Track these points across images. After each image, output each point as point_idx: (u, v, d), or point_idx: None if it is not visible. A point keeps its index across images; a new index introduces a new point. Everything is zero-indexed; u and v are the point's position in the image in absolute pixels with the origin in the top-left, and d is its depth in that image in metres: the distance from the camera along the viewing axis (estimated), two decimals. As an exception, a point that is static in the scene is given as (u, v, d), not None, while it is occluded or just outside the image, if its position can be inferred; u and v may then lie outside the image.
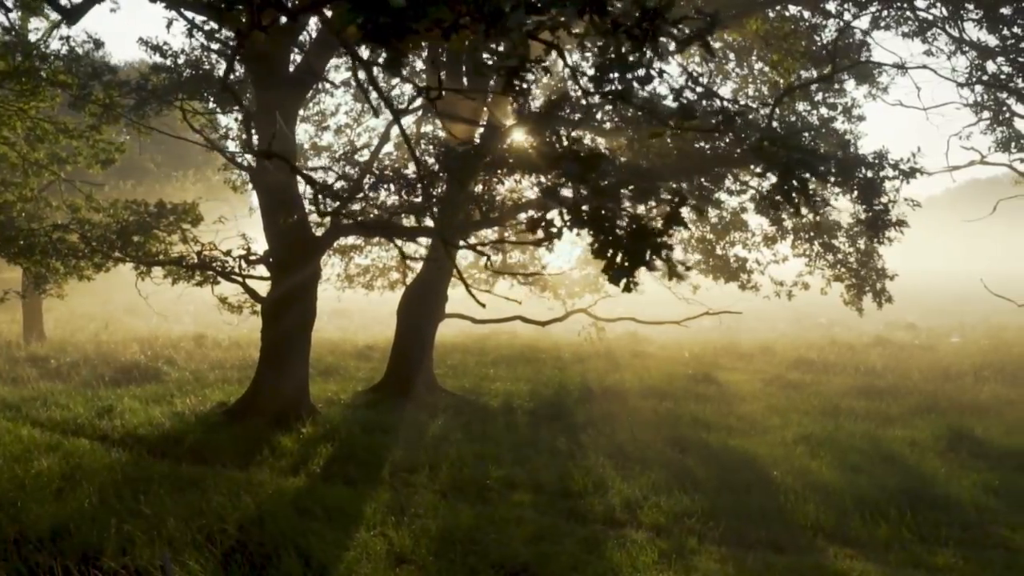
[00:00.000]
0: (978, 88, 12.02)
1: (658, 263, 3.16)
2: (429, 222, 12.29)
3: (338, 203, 10.22)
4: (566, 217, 3.19)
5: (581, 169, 3.00)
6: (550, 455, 10.14)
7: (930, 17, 12.17)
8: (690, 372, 17.03)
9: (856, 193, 9.22)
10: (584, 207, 3.16)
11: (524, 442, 10.86)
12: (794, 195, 3.69)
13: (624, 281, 3.11)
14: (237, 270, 12.21)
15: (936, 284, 55.13)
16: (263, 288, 12.58)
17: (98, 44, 13.06)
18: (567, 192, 3.91)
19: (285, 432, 11.06)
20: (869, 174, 9.06)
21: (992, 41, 11.41)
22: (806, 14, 11.70)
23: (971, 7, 11.20)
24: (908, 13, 11.88)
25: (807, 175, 3.60)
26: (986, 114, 12.21)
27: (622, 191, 9.02)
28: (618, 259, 3.01)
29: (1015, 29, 10.73)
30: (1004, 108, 11.99)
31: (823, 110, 16.14)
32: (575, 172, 3.01)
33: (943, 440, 10.86)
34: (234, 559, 6.43)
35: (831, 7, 14.04)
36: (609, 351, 19.86)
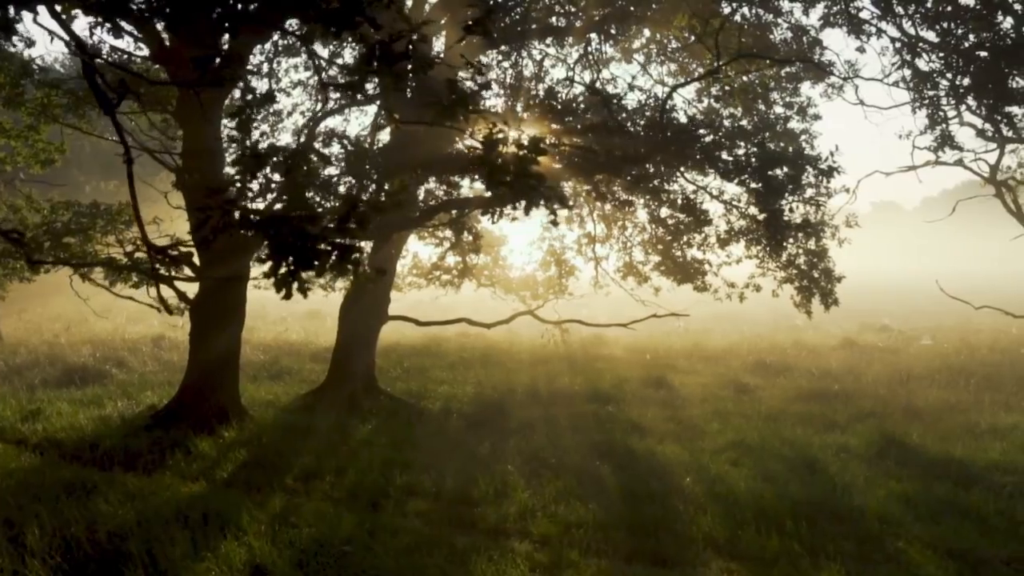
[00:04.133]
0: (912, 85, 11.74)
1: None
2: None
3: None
4: (235, 217, 3.01)
5: (250, 166, 2.83)
6: (466, 461, 9.92)
7: (870, 14, 11.89)
8: (644, 375, 16.76)
9: (753, 193, 8.92)
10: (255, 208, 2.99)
11: (446, 447, 10.64)
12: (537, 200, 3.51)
13: (285, 289, 2.92)
14: (163, 271, 12.02)
15: (929, 284, 54.49)
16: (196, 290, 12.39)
17: (29, 43, 12.93)
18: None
19: (207, 436, 10.90)
20: (780, 172, 8.76)
21: (931, 36, 11.14)
22: (731, 10, 11.43)
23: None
24: (845, 6, 11.59)
25: (533, 182, 3.42)
26: (923, 115, 11.93)
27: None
28: (283, 266, 2.83)
29: (951, 24, 10.42)
30: (938, 107, 11.67)
31: (778, 108, 15.98)
32: (248, 167, 2.84)
33: (874, 447, 10.59)
34: (88, 569, 6.26)
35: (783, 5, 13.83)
36: (570, 354, 19.63)
